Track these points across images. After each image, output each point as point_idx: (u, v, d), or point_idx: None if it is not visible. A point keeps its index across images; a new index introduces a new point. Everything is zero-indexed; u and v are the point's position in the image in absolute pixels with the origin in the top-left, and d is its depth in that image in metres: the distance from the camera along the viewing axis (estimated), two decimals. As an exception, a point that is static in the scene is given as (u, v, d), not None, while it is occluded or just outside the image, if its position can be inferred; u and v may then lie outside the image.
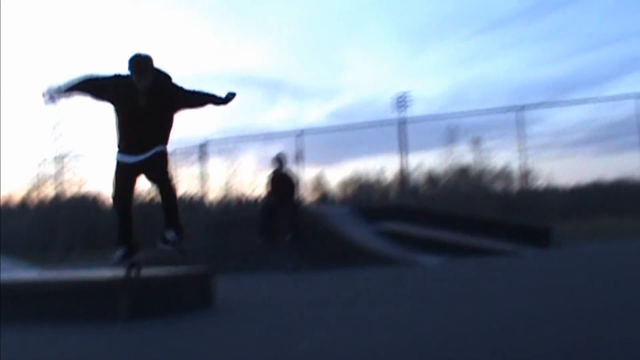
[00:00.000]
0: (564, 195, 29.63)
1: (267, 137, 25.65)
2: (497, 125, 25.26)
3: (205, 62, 71.56)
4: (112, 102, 6.98)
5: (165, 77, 7.07)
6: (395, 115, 23.59)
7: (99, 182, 32.86)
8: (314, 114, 63.61)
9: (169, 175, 7.21)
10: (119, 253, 7.16)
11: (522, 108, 20.63)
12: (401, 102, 25.23)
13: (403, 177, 23.67)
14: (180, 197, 27.00)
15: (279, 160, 14.84)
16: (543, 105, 22.78)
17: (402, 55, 74.48)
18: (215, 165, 26.50)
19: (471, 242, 15.38)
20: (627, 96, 19.05)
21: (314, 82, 72.63)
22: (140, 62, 6.83)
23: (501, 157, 34.31)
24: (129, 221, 7.25)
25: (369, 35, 72.71)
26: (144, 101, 6.81)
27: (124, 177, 7.08)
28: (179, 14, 68.47)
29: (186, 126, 63.32)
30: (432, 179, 31.51)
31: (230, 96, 7.25)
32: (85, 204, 33.93)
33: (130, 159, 6.98)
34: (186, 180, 26.26)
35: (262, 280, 12.02)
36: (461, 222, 16.93)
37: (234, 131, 64.80)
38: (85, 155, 31.69)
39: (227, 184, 28.43)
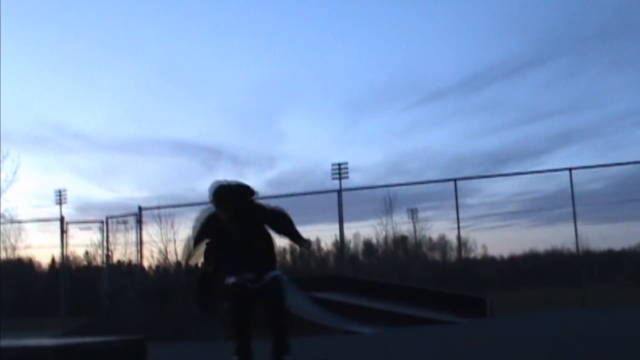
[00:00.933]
0: (500, 265, 30.12)
1: (204, 204, 25.56)
2: (434, 196, 25.68)
3: (145, 128, 71.42)
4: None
5: (245, 198, 7.46)
6: (332, 184, 23.79)
7: (33, 247, 32.29)
8: (251, 182, 63.46)
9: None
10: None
11: (458, 179, 21.06)
12: (339, 171, 25.51)
13: (341, 246, 23.78)
14: (117, 265, 26.73)
15: None
16: (479, 177, 23.33)
17: (340, 125, 75.32)
18: (151, 231, 26.25)
19: (408, 312, 15.46)
20: (560, 169, 19.57)
21: (253, 149, 72.87)
22: (217, 196, 7.36)
23: (438, 227, 34.81)
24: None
25: (307, 104, 73.47)
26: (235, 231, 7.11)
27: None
28: (118, 78, 68.32)
29: (122, 192, 62.88)
30: (369, 249, 31.75)
31: (307, 244, 7.66)
32: (18, 269, 33.26)
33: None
34: (122, 247, 25.98)
35: (198, 348, 11.87)
36: (398, 292, 17.05)
37: (171, 198, 64.54)
38: (21, 219, 31.15)
39: (163, 251, 28.19)
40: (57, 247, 26.05)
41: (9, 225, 30.54)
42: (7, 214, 32.54)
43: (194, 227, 7.55)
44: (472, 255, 28.41)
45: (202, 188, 62.16)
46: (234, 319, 7.45)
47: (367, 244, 31.50)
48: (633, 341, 8.36)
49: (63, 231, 25.32)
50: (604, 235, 23.07)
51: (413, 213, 27.14)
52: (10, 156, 46.73)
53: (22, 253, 32.26)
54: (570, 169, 19.02)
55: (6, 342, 8.49)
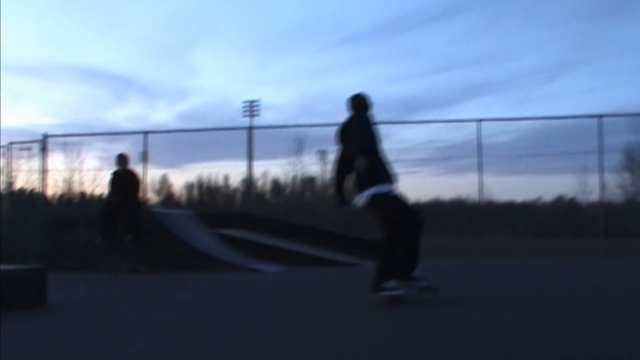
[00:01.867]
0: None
1: (112, 134, 25.14)
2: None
3: (54, 52, 69.39)
4: None
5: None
6: (244, 122, 23.69)
7: None
8: (162, 115, 63.02)
9: None
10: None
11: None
12: (250, 108, 25.41)
13: (249, 184, 23.78)
14: (16, 191, 26.12)
15: (122, 159, 14.67)
16: (389, 123, 23.53)
17: (254, 62, 74.96)
18: (57, 160, 25.74)
19: (313, 252, 15.63)
20: (469, 120, 19.91)
21: (164, 82, 72.00)
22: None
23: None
24: None
25: (222, 39, 72.70)
26: None
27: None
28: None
29: (27, 118, 61.16)
30: (277, 188, 31.85)
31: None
32: None
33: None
34: (25, 175, 25.38)
35: (99, 281, 11.80)
36: (304, 233, 17.18)
37: (78, 126, 63.24)
38: None
39: (68, 180, 27.69)
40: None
41: None
42: None
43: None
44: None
45: (110, 118, 61.08)
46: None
47: (275, 183, 31.61)
48: (522, 289, 8.68)
49: (-38, 155, 24.55)
50: (507, 187, 23.70)
51: (322, 154, 27.32)
52: None
53: None
54: (479, 120, 19.31)
55: None
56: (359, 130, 7.27)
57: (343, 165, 7.52)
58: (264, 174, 30.53)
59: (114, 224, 14.13)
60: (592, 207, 24.85)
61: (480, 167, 19.16)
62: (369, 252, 16.40)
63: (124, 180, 14.40)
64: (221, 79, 72.57)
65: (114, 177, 14.51)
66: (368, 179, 7.21)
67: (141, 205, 14.94)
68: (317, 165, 27.80)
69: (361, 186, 7.25)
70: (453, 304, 6.94)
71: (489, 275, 11.97)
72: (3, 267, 7.48)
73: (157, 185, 30.15)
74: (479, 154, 19.17)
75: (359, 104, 7.62)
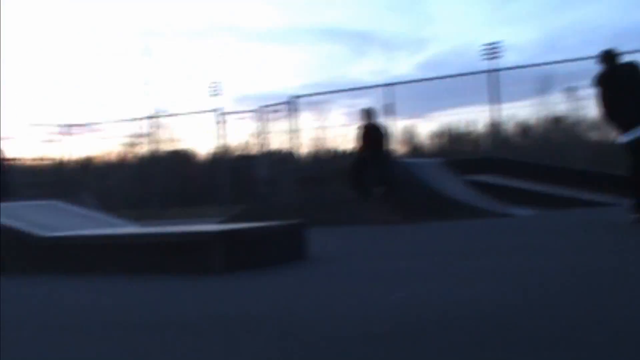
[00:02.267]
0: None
1: (356, 90, 25.54)
2: (593, 74, 24.54)
3: (292, 16, 71.63)
4: None
5: None
6: (485, 65, 23.14)
7: (192, 139, 33.52)
8: (403, 66, 63.08)
9: None
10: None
11: (620, 55, 19.98)
12: (492, 51, 24.77)
13: (494, 128, 23.31)
14: (270, 152, 27.35)
15: (368, 113, 14.86)
16: (641, 52, 22.02)
17: (491, 2, 72.91)
18: (305, 119, 26.58)
19: (566, 194, 15.06)
20: None
21: (402, 33, 71.89)
22: None
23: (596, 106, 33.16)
24: None
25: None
26: None
27: None
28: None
29: (274, 82, 63.77)
30: (524, 130, 30.96)
31: None
32: (179, 160, 34.60)
33: None
34: (277, 136, 26.49)
35: (354, 233, 12.06)
36: (555, 174, 16.58)
37: (323, 85, 65.01)
38: (178, 112, 32.30)
39: (316, 138, 28.56)
40: (215, 138, 26.90)
41: (170, 118, 31.78)
42: (166, 108, 33.81)
43: None
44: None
45: (353, 74, 62.16)
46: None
47: (522, 125, 30.73)
48: None
49: (219, 122, 26.04)
50: None
51: (571, 92, 26.13)
52: (168, 52, 48.07)
53: (182, 145, 33.50)
54: None
55: (174, 228, 8.91)
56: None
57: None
58: (510, 117, 29.79)
59: (364, 177, 14.39)
60: None
61: None
62: (625, 189, 15.58)
63: (371, 133, 14.56)
64: (459, 24, 71.40)
65: (361, 131, 14.73)
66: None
67: (389, 157, 15.07)
68: (566, 103, 26.68)
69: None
70: None
71: None
72: (267, 223, 7.82)
73: (403, 136, 30.34)
74: None
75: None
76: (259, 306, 4.55)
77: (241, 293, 5.29)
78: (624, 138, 9.31)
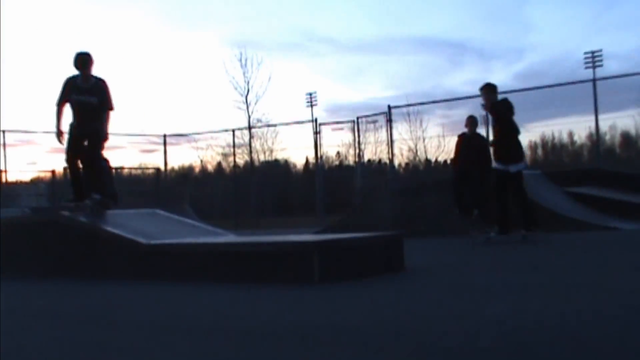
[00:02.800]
0: None
1: (452, 100, 25.34)
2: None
3: (388, 27, 71.60)
4: None
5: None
6: (585, 74, 22.60)
7: (289, 149, 33.86)
8: (499, 75, 62.32)
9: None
10: None
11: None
12: (592, 60, 24.20)
13: (596, 139, 22.73)
14: (366, 163, 27.36)
15: (470, 121, 14.29)
16: None
17: (591, 10, 71.31)
18: (401, 130, 26.55)
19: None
20: None
21: (499, 42, 71.01)
22: None
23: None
24: None
25: (556, -11, 70.01)
26: None
27: None
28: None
29: (369, 92, 63.87)
30: (627, 141, 30.14)
31: None
32: (276, 170, 35.00)
33: None
34: (372, 146, 26.52)
35: (451, 245, 11.94)
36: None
37: (419, 96, 64.78)
38: (276, 123, 32.70)
39: (413, 148, 28.47)
40: (310, 148, 27.06)
41: (265, 129, 32.19)
42: (263, 118, 34.29)
43: None
44: None
45: (449, 84, 61.74)
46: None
47: (625, 136, 29.93)
48: None
49: (316, 132, 26.20)
50: None
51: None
52: (264, 63, 48.75)
53: (279, 155, 33.88)
54: None
55: (270, 238, 9.00)
56: None
57: None
58: (612, 127, 29.05)
59: (465, 196, 13.96)
60: None
61: None
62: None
63: (470, 143, 14.01)
64: (558, 32, 70.06)
65: (461, 140, 14.27)
66: None
67: (488, 173, 14.51)
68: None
69: None
70: None
71: None
72: (362, 234, 7.83)
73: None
74: None
75: None
76: (355, 317, 4.55)
77: (337, 304, 5.30)
78: (513, 168, 11.40)
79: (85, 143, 9.35)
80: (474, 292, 5.49)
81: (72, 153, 9.35)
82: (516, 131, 11.63)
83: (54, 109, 9.37)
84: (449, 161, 28.34)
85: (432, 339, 3.61)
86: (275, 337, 3.89)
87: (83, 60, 9.23)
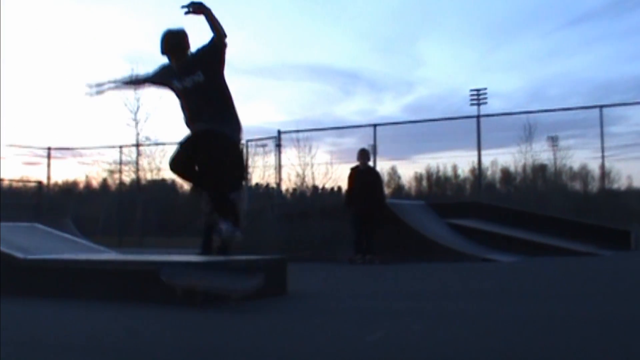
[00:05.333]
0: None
1: (342, 128, 25.67)
2: (576, 124, 24.88)
3: (283, 53, 72.06)
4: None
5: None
6: (470, 110, 23.35)
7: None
8: (389, 107, 63.63)
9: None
10: None
11: (604, 107, 20.21)
12: (477, 97, 25.01)
13: (478, 173, 23.43)
14: (256, 187, 27.36)
15: (363, 154, 14.23)
16: (626, 104, 22.31)
17: (479, 50, 73.87)
18: (290, 155, 26.67)
19: (547, 241, 15.12)
20: None
21: (390, 75, 72.60)
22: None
23: (580, 156, 33.52)
24: None
25: (447, 29, 72.15)
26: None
27: None
28: (254, 2, 68.92)
29: (261, 116, 63.93)
30: (507, 177, 31.16)
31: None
32: (162, 190, 34.50)
33: None
34: (261, 170, 26.54)
35: (335, 271, 12.03)
36: (537, 222, 16.68)
37: (309, 122, 65.30)
38: (163, 142, 32.29)
39: (301, 174, 28.61)
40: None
41: (154, 147, 31.74)
42: (152, 137, 33.79)
43: None
44: (615, 186, 27.51)
45: (339, 113, 62.47)
46: None
47: (505, 172, 30.95)
48: None
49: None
50: None
51: (554, 141, 26.41)
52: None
53: (166, 174, 33.44)
54: None
55: (148, 256, 8.85)
56: None
57: None
58: (493, 163, 30.03)
59: (363, 236, 13.65)
60: None
61: None
62: (607, 241, 15.70)
63: (364, 178, 13.84)
64: (446, 68, 72.23)
65: (354, 174, 14.04)
66: None
67: (382, 215, 13.93)
68: (548, 151, 26.93)
69: None
70: None
71: None
72: (248, 257, 7.78)
73: (387, 177, 30.39)
74: None
75: None
76: (232, 340, 4.52)
77: (215, 326, 5.24)
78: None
79: None
80: (353, 318, 5.53)
81: None
82: None
83: None
84: (335, 189, 28.63)
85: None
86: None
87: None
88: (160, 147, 31.55)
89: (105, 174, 32.37)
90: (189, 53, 6.89)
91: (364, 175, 13.93)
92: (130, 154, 29.80)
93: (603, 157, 20.72)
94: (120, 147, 29.23)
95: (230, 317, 5.75)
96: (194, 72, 6.75)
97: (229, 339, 4.59)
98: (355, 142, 19.40)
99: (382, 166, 24.88)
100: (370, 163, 16.14)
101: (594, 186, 27.99)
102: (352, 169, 14.18)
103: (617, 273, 10.32)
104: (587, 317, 5.20)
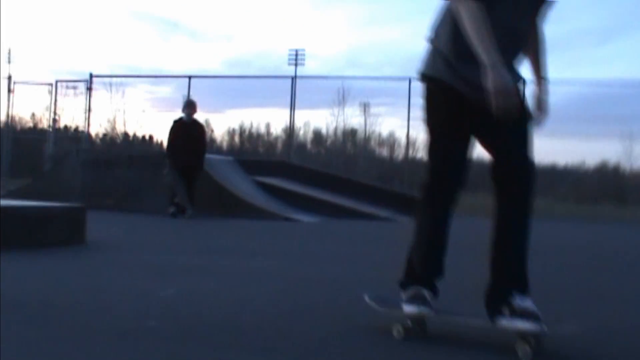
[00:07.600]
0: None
1: (157, 77, 25.26)
2: (387, 92, 25.73)
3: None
4: None
5: None
6: (288, 70, 23.61)
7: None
8: (207, 59, 62.98)
9: None
10: None
11: (413, 78, 20.98)
12: (296, 57, 25.27)
13: (290, 133, 23.79)
14: (63, 129, 26.43)
15: (190, 105, 13.88)
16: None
17: (303, 9, 74.31)
18: (102, 100, 25.93)
19: (350, 204, 15.63)
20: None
21: (211, 26, 71.77)
22: None
23: (389, 124, 34.63)
24: None
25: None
26: None
27: None
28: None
29: (74, 56, 61.58)
30: (318, 138, 31.80)
31: None
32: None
33: None
34: (70, 113, 25.65)
35: (140, 221, 11.93)
36: (342, 185, 17.17)
37: (124, 67, 63.59)
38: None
39: (112, 120, 27.91)
40: (1, 107, 25.65)
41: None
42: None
43: None
44: (419, 155, 28.75)
45: (156, 60, 61.17)
46: None
47: (317, 133, 31.60)
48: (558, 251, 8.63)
49: (9, 90, 24.86)
50: (550, 150, 23.45)
51: (365, 107, 27.21)
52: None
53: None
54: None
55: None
56: None
57: None
58: (306, 124, 30.54)
59: (182, 188, 13.25)
60: (636, 174, 24.51)
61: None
62: (406, 207, 16.41)
63: (189, 132, 13.48)
64: (268, 25, 72.26)
65: (178, 127, 13.58)
66: None
67: (202, 167, 13.74)
68: (360, 117, 27.73)
69: None
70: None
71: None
72: (44, 203, 7.60)
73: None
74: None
75: None
76: (24, 288, 4.44)
77: (11, 272, 5.11)
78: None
79: None
80: (149, 271, 5.55)
81: None
82: None
83: None
84: (147, 137, 28.16)
85: (98, 317, 3.62)
86: None
87: None
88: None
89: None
90: None
91: (189, 127, 13.54)
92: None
93: (409, 126, 21.60)
94: None
95: (22, 263, 5.62)
96: None
97: (17, 285, 4.49)
98: (170, 91, 19.23)
99: (196, 118, 24.73)
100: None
101: (400, 153, 29.10)
102: (176, 121, 13.70)
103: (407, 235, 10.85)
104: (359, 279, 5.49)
